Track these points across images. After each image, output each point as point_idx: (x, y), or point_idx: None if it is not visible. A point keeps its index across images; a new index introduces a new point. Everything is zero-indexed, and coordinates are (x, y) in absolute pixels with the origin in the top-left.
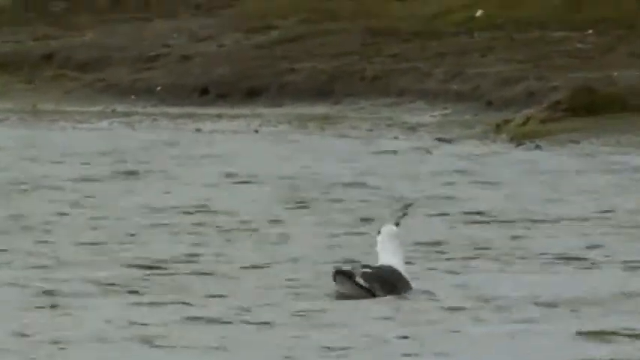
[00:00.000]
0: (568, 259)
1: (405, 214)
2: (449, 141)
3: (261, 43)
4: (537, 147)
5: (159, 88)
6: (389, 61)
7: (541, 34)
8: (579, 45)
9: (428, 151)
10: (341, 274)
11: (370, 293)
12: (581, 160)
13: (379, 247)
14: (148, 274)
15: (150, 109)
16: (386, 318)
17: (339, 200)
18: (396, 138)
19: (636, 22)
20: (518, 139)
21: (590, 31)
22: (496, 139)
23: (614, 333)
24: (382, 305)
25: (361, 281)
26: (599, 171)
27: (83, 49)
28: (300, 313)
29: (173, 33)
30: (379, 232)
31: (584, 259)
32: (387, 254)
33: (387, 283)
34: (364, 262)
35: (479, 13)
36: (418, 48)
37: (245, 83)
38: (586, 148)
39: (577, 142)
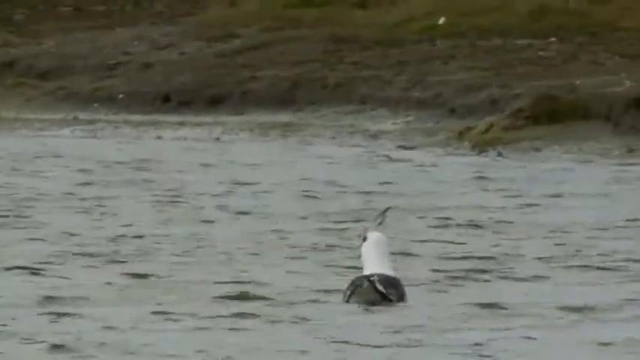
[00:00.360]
0: (564, 265)
1: (383, 220)
2: (411, 148)
3: (223, 51)
4: (499, 154)
5: (121, 95)
6: (351, 69)
7: (503, 42)
8: (541, 53)
9: (390, 158)
10: (367, 282)
11: (387, 300)
12: (543, 167)
13: (364, 255)
14: (131, 283)
15: (112, 117)
16: (380, 325)
17: (323, 207)
18: (358, 145)
19: (598, 30)
20: (481, 147)
21: (553, 39)
22: (459, 147)
23: (614, 343)
24: (377, 313)
25: (381, 287)
26: (560, 178)
27: (44, 57)
28: (285, 320)
29: (134, 41)
30: (364, 239)
31: (584, 265)
32: (374, 263)
33: (397, 289)
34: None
35: (441, 20)
36: (380, 56)
37: (207, 91)
38: (548, 155)
39: (539, 149)
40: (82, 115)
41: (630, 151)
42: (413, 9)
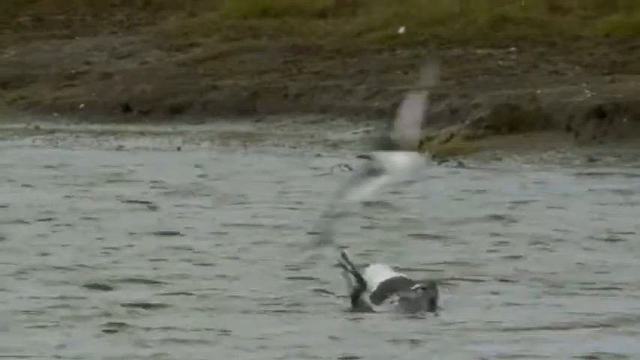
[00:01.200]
0: (555, 282)
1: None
2: (370, 158)
3: (184, 61)
4: (460, 164)
5: (82, 105)
6: (311, 79)
7: (463, 52)
8: (502, 62)
9: (350, 168)
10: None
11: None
12: (505, 177)
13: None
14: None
15: (72, 127)
16: (378, 333)
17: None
18: (318, 155)
19: (558, 40)
20: (441, 156)
21: (513, 49)
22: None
23: (604, 355)
24: (377, 321)
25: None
26: (524, 187)
27: (4, 67)
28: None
29: (94, 50)
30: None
31: (575, 281)
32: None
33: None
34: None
35: (401, 30)
36: (340, 65)
37: (167, 100)
38: (509, 165)
39: (500, 159)
40: (42, 125)
41: (591, 160)
42: (373, 18)
